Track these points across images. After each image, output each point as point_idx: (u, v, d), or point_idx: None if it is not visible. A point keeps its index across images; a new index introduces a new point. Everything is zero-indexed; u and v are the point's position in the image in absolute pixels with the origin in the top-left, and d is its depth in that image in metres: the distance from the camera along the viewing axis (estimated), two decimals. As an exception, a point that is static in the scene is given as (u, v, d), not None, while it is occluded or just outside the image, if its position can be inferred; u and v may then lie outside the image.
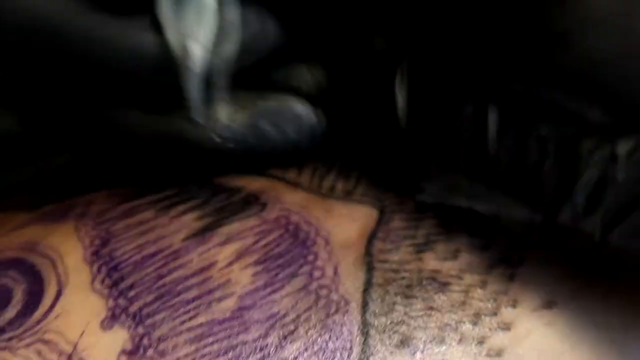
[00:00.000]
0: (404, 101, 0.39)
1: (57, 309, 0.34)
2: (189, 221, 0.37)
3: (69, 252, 0.36)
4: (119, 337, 0.33)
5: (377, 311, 0.34)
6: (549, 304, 0.36)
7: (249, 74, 0.39)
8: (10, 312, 0.34)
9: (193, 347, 0.32)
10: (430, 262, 0.37)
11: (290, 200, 0.39)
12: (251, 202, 0.39)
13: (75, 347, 0.33)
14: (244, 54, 0.38)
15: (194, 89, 0.36)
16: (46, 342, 0.33)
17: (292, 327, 0.33)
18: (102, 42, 0.36)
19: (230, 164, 0.40)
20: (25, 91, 0.40)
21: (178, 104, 0.38)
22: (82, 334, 0.33)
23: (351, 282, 0.35)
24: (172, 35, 0.36)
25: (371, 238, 0.37)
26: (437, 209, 0.39)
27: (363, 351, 0.33)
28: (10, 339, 0.33)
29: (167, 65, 0.37)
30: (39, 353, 0.33)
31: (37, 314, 0.34)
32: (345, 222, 0.38)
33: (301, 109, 0.40)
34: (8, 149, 0.44)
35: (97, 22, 0.36)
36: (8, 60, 0.38)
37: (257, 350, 0.33)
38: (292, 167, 0.41)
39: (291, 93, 0.41)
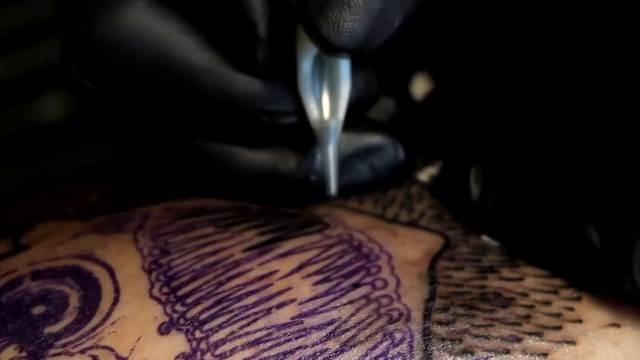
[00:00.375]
0: (478, 193, 0.41)
1: (114, 315, 0.34)
2: (250, 236, 0.37)
3: (126, 261, 0.36)
4: (176, 342, 0.32)
5: (439, 321, 0.34)
6: (616, 323, 0.36)
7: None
8: (67, 318, 0.34)
9: (251, 352, 0.32)
10: (495, 281, 0.37)
11: (354, 222, 0.39)
12: (313, 223, 0.39)
13: (131, 352, 0.32)
14: (353, 111, 0.40)
15: (331, 164, 0.38)
16: (102, 348, 0.33)
17: (352, 333, 0.33)
18: (231, 93, 0.38)
19: (314, 197, 0.41)
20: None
21: (275, 142, 0.40)
22: (138, 339, 0.33)
23: (414, 294, 0.35)
24: (312, 113, 0.38)
25: (436, 257, 0.38)
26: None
27: (424, 359, 0.33)
28: (66, 344, 0.33)
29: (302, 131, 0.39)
30: (94, 359, 0.32)
31: (94, 320, 0.34)
32: (410, 242, 0.38)
33: (389, 144, 0.41)
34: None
35: (237, 81, 0.38)
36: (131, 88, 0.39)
37: (317, 355, 0.32)
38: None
39: (375, 125, 0.42)
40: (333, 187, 0.38)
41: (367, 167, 0.41)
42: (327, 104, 0.39)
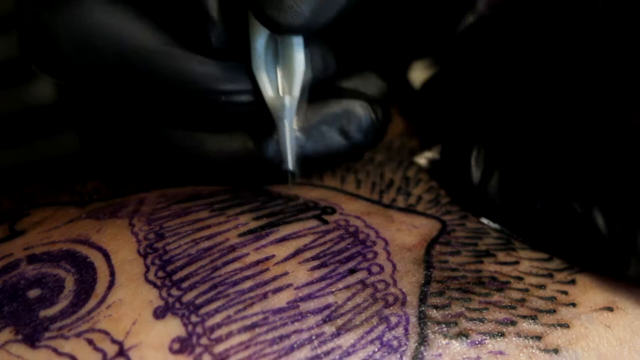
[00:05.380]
0: (479, 176, 0.41)
1: (109, 299, 0.34)
2: (245, 220, 0.37)
3: (122, 245, 0.36)
4: (172, 326, 0.32)
5: (435, 305, 0.34)
6: (609, 307, 0.36)
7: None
8: (62, 302, 0.34)
9: (247, 336, 0.32)
10: (491, 265, 0.37)
11: (351, 207, 0.39)
12: (310, 208, 0.39)
13: (126, 335, 0.32)
14: (311, 87, 0.40)
15: (287, 140, 0.39)
16: (97, 332, 0.33)
17: (348, 317, 0.33)
18: (194, 80, 0.38)
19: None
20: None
21: (242, 124, 0.40)
22: (134, 322, 0.33)
23: (410, 278, 0.35)
24: (267, 91, 0.39)
25: (432, 242, 0.38)
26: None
27: (419, 342, 0.33)
28: (61, 328, 0.33)
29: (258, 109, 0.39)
30: (89, 342, 0.32)
31: (89, 304, 0.34)
32: (406, 228, 0.38)
33: (361, 108, 0.41)
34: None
35: (192, 62, 0.38)
36: (92, 78, 0.39)
37: (313, 339, 0.32)
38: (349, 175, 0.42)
39: (356, 97, 0.42)
40: (290, 162, 0.38)
41: (338, 133, 0.41)
42: (281, 82, 0.39)
